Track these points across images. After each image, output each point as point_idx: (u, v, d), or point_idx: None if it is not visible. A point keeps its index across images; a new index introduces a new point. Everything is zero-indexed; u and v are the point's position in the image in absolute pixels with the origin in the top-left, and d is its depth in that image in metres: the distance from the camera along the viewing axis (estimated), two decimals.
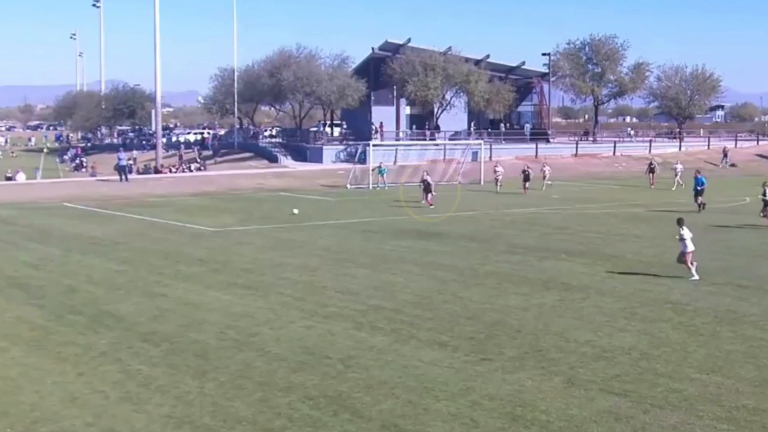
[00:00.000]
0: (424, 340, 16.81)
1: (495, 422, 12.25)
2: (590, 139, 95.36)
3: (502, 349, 16.07)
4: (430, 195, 41.31)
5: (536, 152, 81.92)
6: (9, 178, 68.06)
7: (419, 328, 17.77)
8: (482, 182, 61.08)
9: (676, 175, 57.16)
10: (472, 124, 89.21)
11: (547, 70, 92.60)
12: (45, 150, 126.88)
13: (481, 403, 13.05)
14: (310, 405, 13.03)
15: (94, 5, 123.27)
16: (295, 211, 38.59)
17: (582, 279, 23.32)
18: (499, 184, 55.40)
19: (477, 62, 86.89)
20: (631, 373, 14.51)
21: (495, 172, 56.61)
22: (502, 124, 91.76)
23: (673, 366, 14.94)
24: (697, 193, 42.04)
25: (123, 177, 62.76)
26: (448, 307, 19.81)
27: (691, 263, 22.82)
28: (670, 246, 26.15)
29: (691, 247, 22.82)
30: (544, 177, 57.63)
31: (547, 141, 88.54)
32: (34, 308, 20.11)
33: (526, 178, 54.22)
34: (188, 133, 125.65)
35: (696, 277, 22.64)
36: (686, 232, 22.78)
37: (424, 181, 43.93)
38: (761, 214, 35.68)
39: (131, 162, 76.58)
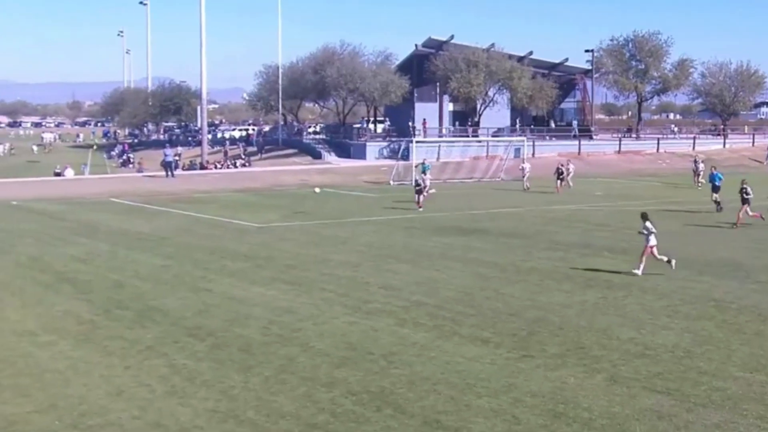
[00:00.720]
0: (467, 337, 16.86)
1: (537, 419, 12.27)
2: (633, 135, 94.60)
3: (545, 346, 16.08)
4: (421, 197, 39.49)
5: (579, 149, 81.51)
6: (58, 174, 69.17)
7: (461, 325, 17.82)
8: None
9: (698, 174, 55.78)
10: (518, 121, 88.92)
11: (590, 67, 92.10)
12: (93, 146, 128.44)
13: (523, 399, 13.07)
14: (353, 400, 13.14)
15: (141, 3, 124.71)
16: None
17: (624, 276, 23.20)
18: (526, 182, 54.50)
19: (520, 59, 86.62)
20: (674, 371, 14.45)
21: (522, 169, 56.09)
22: (552, 122, 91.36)
23: (716, 364, 14.85)
24: (714, 190, 40.36)
25: (169, 173, 63.52)
26: (490, 304, 19.84)
27: (656, 256, 23.04)
28: (712, 244, 25.96)
29: (653, 242, 23.11)
30: (568, 174, 55.89)
31: (590, 138, 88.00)
32: (82, 302, 20.45)
33: (560, 177, 52.89)
34: (233, 130, 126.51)
35: (639, 273, 22.92)
36: (650, 226, 23.19)
37: (417, 183, 42.15)
38: (748, 213, 33.92)
39: (177, 158, 77.37)
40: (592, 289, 21.39)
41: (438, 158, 69.00)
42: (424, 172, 58.04)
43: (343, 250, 28.40)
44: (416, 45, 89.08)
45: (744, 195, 34.07)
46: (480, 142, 77.55)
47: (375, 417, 12.45)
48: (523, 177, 55.06)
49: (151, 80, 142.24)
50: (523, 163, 57.33)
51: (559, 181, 52.38)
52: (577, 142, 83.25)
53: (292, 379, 14.23)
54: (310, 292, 21.30)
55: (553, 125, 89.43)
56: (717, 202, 39.11)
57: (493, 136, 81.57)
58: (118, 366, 15.12)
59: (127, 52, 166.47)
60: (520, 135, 78.46)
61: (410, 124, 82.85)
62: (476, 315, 18.71)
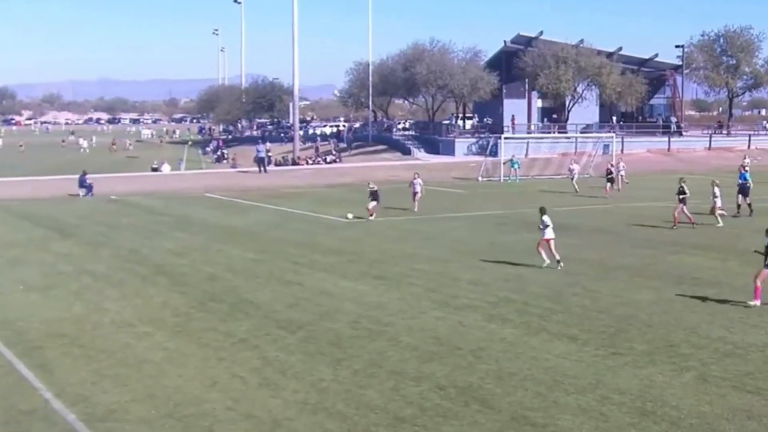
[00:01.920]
0: (554, 333, 16.88)
1: (624, 417, 12.26)
2: (724, 132, 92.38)
3: (633, 344, 16.00)
4: (372, 204, 37.55)
5: (669, 145, 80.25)
6: (155, 169, 70.85)
7: (549, 321, 17.84)
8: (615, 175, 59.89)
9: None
10: (614, 118, 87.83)
11: (680, 63, 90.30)
12: (189, 142, 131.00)
13: (611, 397, 13.06)
14: (441, 395, 13.30)
15: (235, 1, 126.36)
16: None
17: (714, 274, 22.87)
18: (575, 183, 49.40)
19: (609, 55, 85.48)
20: (764, 370, 14.25)
21: (570, 171, 51.03)
22: (648, 119, 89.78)
23: None
24: (740, 191, 36.72)
25: (262, 168, 64.56)
26: (578, 301, 19.79)
27: (552, 251, 23.76)
28: None
29: (549, 235, 23.81)
30: (618, 174, 51.03)
31: (680, 134, 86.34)
32: (177, 295, 21.07)
33: (610, 179, 46.71)
34: (324, 126, 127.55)
35: (547, 262, 23.75)
36: (546, 220, 23.85)
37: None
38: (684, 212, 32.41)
39: (270, 154, 78.56)
40: (681, 287, 21.12)
41: (526, 154, 68.62)
42: (513, 167, 58.02)
43: (432, 245, 28.56)
44: (505, 41, 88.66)
45: (680, 195, 32.73)
46: (568, 138, 76.79)
47: (462, 412, 12.59)
48: (572, 178, 49.94)
49: (244, 77, 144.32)
50: (572, 163, 52.37)
51: (609, 183, 46.59)
52: (666, 139, 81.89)
53: (381, 373, 14.45)
54: (399, 287, 21.52)
55: (655, 121, 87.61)
56: (739, 206, 36.25)
57: (581, 133, 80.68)
58: (212, 358, 15.56)
59: (221, 50, 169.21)
60: (609, 131, 77.34)
61: (486, 122, 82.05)
62: (564, 312, 18.69)
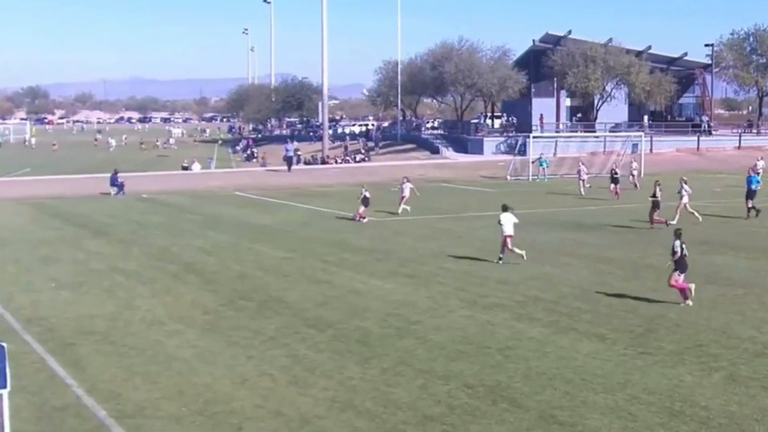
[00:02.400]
0: (583, 332, 16.85)
1: (653, 417, 12.23)
2: (754, 131, 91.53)
3: (662, 344, 15.95)
4: (363, 209, 37.16)
5: (698, 144, 79.66)
6: (185, 168, 71.28)
7: (577, 320, 17.81)
8: (642, 174, 59.57)
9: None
10: (646, 118, 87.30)
11: (710, 62, 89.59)
12: (219, 141, 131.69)
13: (640, 397, 13.04)
14: (469, 393, 13.33)
15: (265, 1, 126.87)
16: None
17: (744, 274, 22.73)
18: (583, 185, 47.16)
19: (638, 53, 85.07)
20: None
21: (578, 173, 48.57)
22: (677, 118, 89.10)
23: None
24: (749, 195, 35.86)
25: (290, 167, 64.88)
26: (606, 300, 19.73)
27: (510, 248, 24.53)
28: None
29: (508, 232, 24.52)
30: (632, 175, 50.84)
31: (709, 133, 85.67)
32: (207, 293, 21.22)
33: (614, 181, 44.15)
34: (353, 125, 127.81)
35: (499, 260, 24.52)
36: (504, 218, 24.73)
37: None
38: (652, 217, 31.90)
39: (299, 152, 78.90)
40: (710, 286, 20.99)
41: (555, 153, 68.41)
42: (541, 166, 57.86)
43: (460, 244, 28.57)
44: (534, 40, 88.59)
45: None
46: (597, 137, 76.49)
47: (491, 410, 12.62)
48: (580, 179, 47.58)
49: (274, 76, 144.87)
50: (581, 164, 49.61)
51: (612, 184, 44.17)
52: (695, 138, 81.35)
53: (409, 371, 14.50)
54: (428, 286, 21.56)
55: (701, 120, 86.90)
56: (750, 209, 35.51)
57: (610, 131, 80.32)
58: (241, 355, 15.67)
59: (251, 50, 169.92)
60: (638, 130, 76.88)
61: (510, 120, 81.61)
62: (592, 311, 18.66)
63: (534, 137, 65.20)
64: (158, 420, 12.47)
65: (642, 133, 71.58)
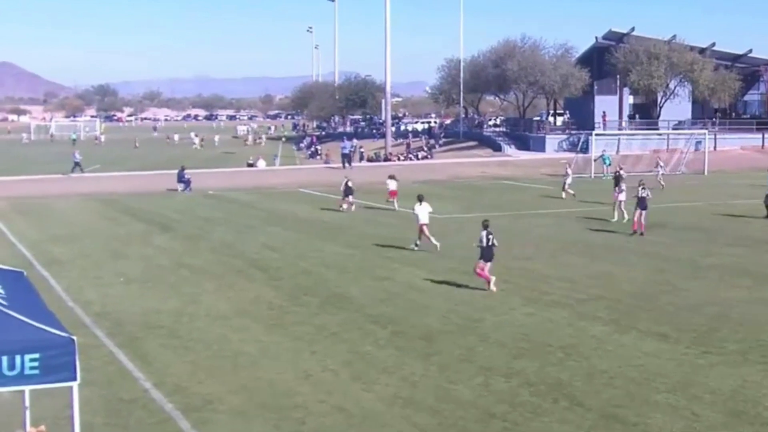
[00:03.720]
0: (644, 331, 16.76)
1: (716, 417, 12.16)
2: None
3: (725, 343, 15.80)
4: (349, 197, 36.80)
5: (763, 142, 78.19)
6: (251, 165, 72.12)
7: (639, 319, 17.71)
8: (706, 172, 58.73)
9: None
10: (717, 115, 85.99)
11: None
12: (283, 138, 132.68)
13: (702, 396, 12.96)
14: (531, 391, 13.37)
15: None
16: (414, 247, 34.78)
17: None
18: (566, 189, 43.20)
19: (702, 50, 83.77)
20: None
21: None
22: (741, 115, 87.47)
23: None
24: None
25: (346, 164, 65.03)
26: (668, 299, 19.59)
27: (428, 235, 25.92)
28: None
29: (422, 220, 26.04)
30: (659, 172, 48.87)
31: None
32: (272, 289, 21.52)
33: (616, 179, 38.34)
34: (416, 123, 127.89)
35: (415, 247, 26.27)
36: (417, 208, 26.28)
37: (346, 185, 38.42)
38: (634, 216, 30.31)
39: (362, 149, 79.30)
40: None
41: (618, 151, 67.73)
42: (604, 164, 57.29)
43: (521, 242, 28.48)
44: (596, 37, 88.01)
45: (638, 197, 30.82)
46: (660, 135, 75.50)
47: (552, 408, 12.65)
48: (564, 181, 44.24)
49: (337, 74, 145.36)
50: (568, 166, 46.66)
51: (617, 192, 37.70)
52: (761, 135, 79.87)
53: (471, 368, 14.58)
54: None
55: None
56: None
57: (673, 129, 79.23)
58: (305, 351, 15.89)
59: (315, 47, 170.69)
60: (701, 127, 75.71)
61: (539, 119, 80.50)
62: (654, 310, 18.54)
63: (596, 135, 64.60)
64: (223, 414, 12.72)
65: (706, 131, 70.54)
